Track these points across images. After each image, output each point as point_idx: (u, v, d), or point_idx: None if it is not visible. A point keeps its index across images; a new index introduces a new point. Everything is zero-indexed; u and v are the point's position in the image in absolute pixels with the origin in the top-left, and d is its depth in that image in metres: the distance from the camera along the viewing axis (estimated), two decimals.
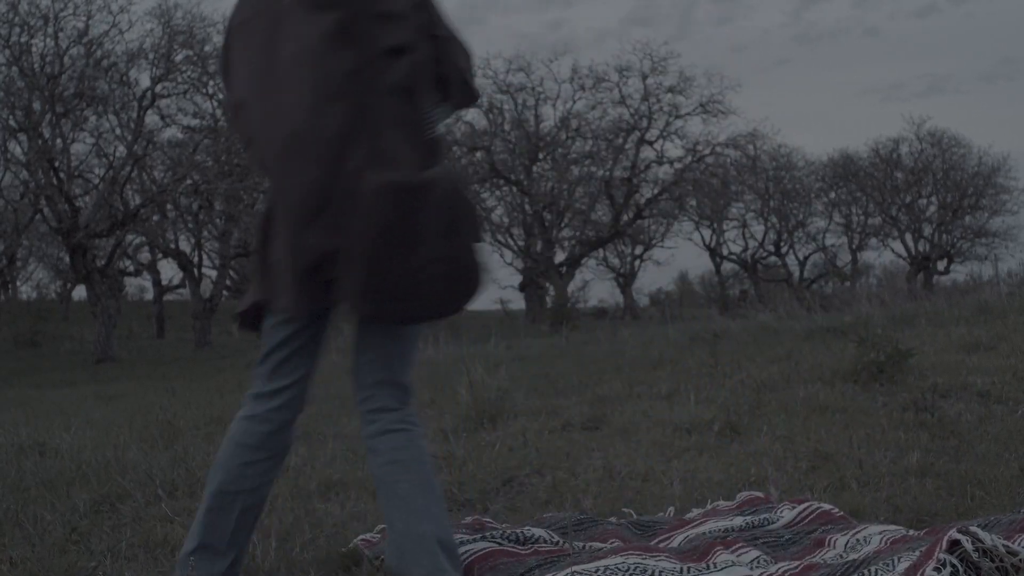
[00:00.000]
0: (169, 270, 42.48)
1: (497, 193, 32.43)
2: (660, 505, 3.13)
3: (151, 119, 20.75)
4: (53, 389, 11.58)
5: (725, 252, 36.51)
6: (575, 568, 2.17)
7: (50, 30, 19.33)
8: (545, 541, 2.58)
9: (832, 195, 35.80)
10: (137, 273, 31.23)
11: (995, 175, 33.46)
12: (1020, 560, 1.90)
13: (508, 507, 3.24)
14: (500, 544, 2.50)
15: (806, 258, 36.84)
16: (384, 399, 2.20)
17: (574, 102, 31.25)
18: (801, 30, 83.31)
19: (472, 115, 30.74)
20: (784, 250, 36.15)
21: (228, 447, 2.23)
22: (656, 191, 31.24)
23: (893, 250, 35.72)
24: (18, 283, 37.85)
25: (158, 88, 20.37)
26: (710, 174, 30.34)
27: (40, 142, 18.76)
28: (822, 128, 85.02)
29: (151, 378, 12.85)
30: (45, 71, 19.17)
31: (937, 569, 1.88)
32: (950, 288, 17.43)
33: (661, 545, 2.54)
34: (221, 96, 18.94)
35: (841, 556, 2.30)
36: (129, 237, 23.60)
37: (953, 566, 1.88)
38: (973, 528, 1.95)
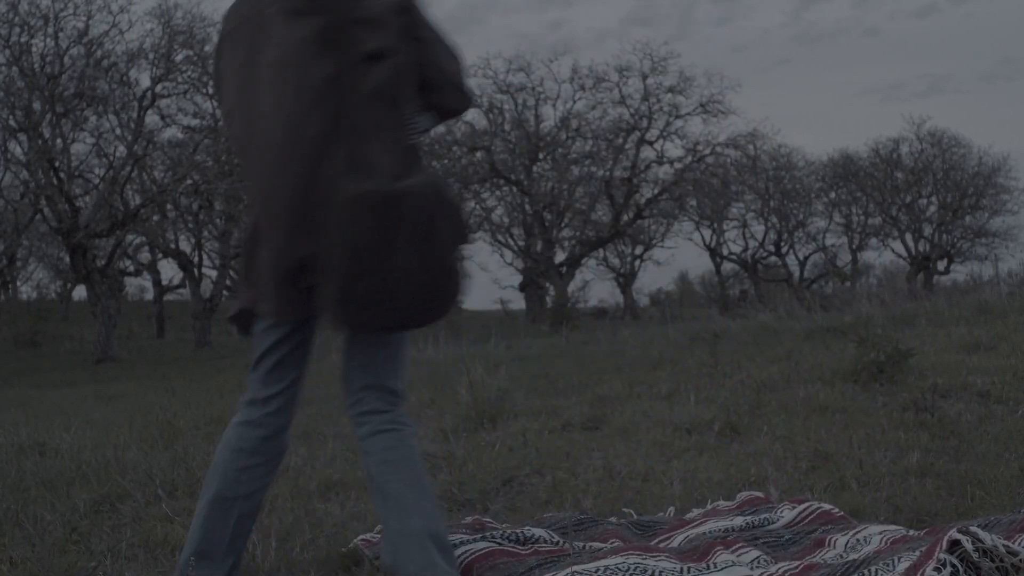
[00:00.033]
0: (169, 270, 42.52)
1: (497, 193, 32.44)
2: (660, 505, 3.13)
3: (151, 119, 20.78)
4: (53, 389, 11.58)
5: (725, 252, 36.53)
6: (575, 568, 2.17)
7: (50, 30, 19.34)
8: (545, 541, 2.58)
9: (832, 195, 35.79)
10: (137, 273, 31.22)
11: (995, 175, 33.46)
12: (1020, 560, 1.90)
13: (508, 507, 3.24)
14: (500, 544, 2.50)
15: (806, 258, 36.85)
16: (373, 402, 2.21)
17: (574, 102, 31.29)
18: (801, 30, 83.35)
19: (472, 115, 30.75)
20: (784, 250, 36.15)
21: (224, 453, 2.24)
22: (656, 191, 31.24)
23: (893, 250, 35.77)
24: (18, 283, 37.88)
25: (158, 88, 20.37)
26: (710, 174, 30.34)
27: (40, 142, 18.76)
28: (822, 128, 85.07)
29: (151, 378, 12.84)
30: (45, 71, 19.17)
31: (937, 569, 1.88)
32: (950, 288, 17.44)
33: (661, 545, 2.54)
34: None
35: (841, 556, 2.30)
36: (129, 237, 23.60)
37: (953, 566, 1.88)
38: (973, 528, 1.95)
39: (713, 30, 71.92)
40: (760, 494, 3.04)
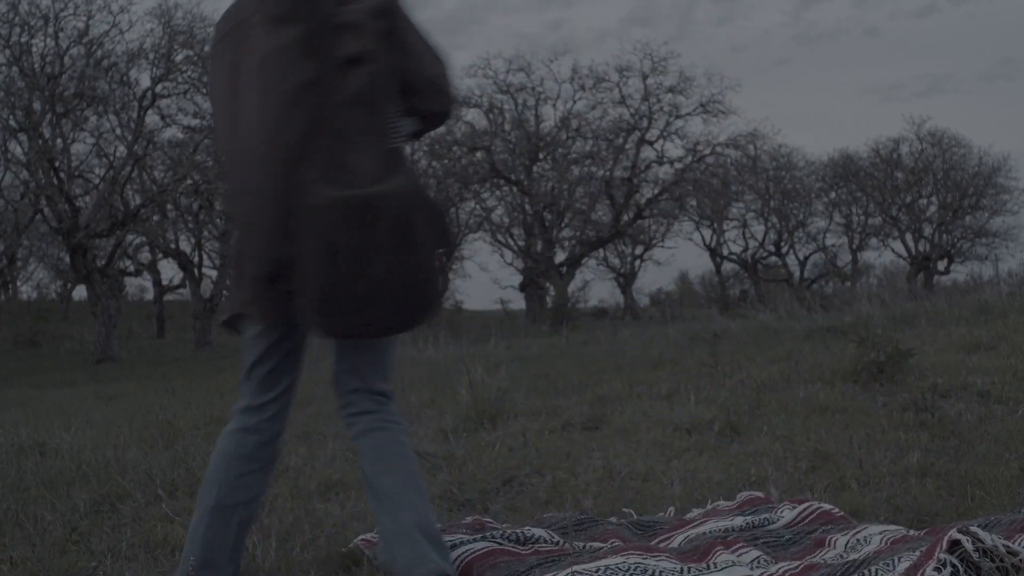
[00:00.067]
0: (169, 270, 42.55)
1: (497, 193, 32.44)
2: (660, 505, 3.13)
3: (151, 119, 20.78)
4: (53, 389, 11.58)
5: (725, 252, 36.52)
6: (575, 568, 2.17)
7: (50, 30, 19.34)
8: (545, 541, 2.58)
9: (832, 195, 35.78)
10: (137, 273, 31.22)
11: (995, 175, 33.44)
12: (1020, 560, 1.90)
13: (508, 507, 3.24)
14: (500, 544, 2.50)
15: (806, 258, 36.85)
16: (362, 404, 2.24)
17: (574, 102, 31.28)
18: (801, 30, 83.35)
19: (472, 115, 30.82)
20: (784, 250, 36.15)
21: (221, 462, 2.24)
22: (656, 191, 31.22)
23: (893, 250, 35.75)
24: (18, 283, 37.88)
25: (158, 88, 20.37)
26: (710, 174, 30.33)
27: (40, 142, 18.76)
28: (822, 128, 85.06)
29: (151, 378, 12.85)
30: (45, 71, 19.17)
31: (937, 569, 1.88)
32: (950, 288, 17.44)
33: (661, 545, 2.54)
34: None
35: (841, 556, 2.30)
36: (129, 237, 23.61)
37: (953, 566, 1.88)
38: (973, 528, 1.95)
39: (713, 30, 71.99)
40: (760, 494, 3.04)
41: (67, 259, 22.81)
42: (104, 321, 18.94)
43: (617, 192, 30.51)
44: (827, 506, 2.76)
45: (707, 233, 35.68)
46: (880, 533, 2.42)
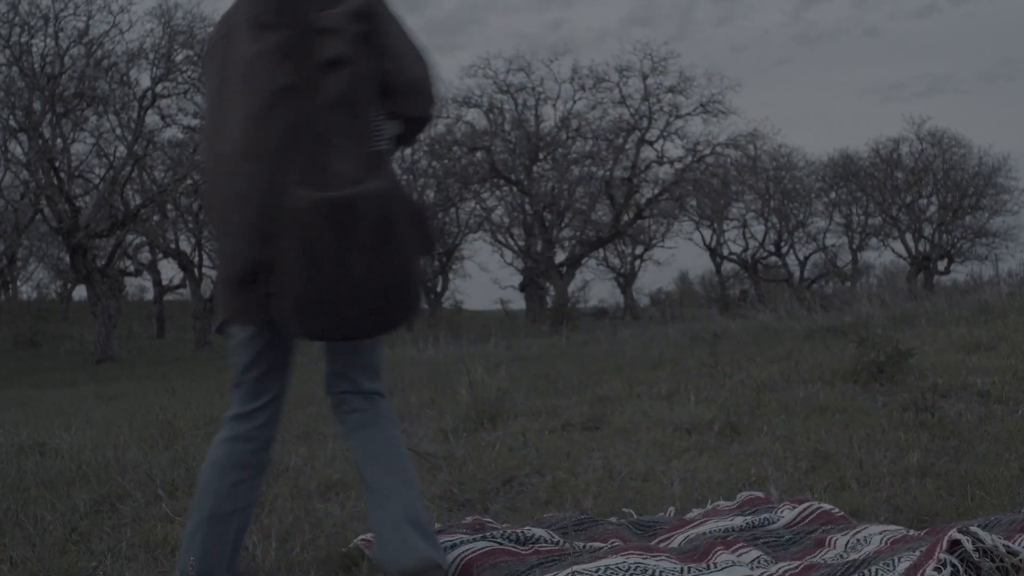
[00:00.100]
0: (169, 270, 42.51)
1: (497, 193, 32.44)
2: (660, 505, 3.13)
3: (151, 119, 20.76)
4: (53, 389, 11.58)
5: (725, 252, 36.52)
6: (576, 568, 2.17)
7: (50, 30, 19.33)
8: (546, 541, 2.58)
9: (832, 195, 35.78)
10: (137, 273, 31.23)
11: (995, 175, 33.43)
12: (1020, 560, 1.90)
13: (508, 507, 3.24)
14: (501, 544, 2.50)
15: (806, 258, 36.84)
16: (352, 402, 2.27)
17: (574, 102, 31.27)
18: (801, 30, 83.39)
19: (472, 115, 30.83)
20: (784, 250, 36.14)
21: (213, 471, 2.24)
22: (656, 191, 31.22)
23: (893, 250, 35.75)
24: (18, 283, 37.89)
25: (158, 88, 20.37)
26: (710, 174, 30.32)
27: (40, 142, 18.76)
28: (822, 128, 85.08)
29: (151, 378, 12.84)
30: (45, 71, 19.17)
31: (937, 569, 1.88)
32: (950, 288, 17.43)
33: (661, 545, 2.54)
34: None
35: (841, 556, 2.30)
36: (129, 237, 23.62)
37: (953, 566, 1.88)
38: (973, 528, 1.95)
39: (713, 30, 72.04)
40: (760, 494, 3.04)
41: (67, 259, 22.81)
42: (104, 321, 18.94)
43: (617, 192, 30.51)
44: (827, 506, 2.76)
45: (707, 233, 35.73)
46: (880, 533, 2.42)
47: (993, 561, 1.89)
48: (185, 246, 26.00)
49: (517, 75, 30.74)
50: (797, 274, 36.12)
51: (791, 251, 36.39)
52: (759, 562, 2.26)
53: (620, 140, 30.90)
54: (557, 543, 2.56)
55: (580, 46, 69.08)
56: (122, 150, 20.41)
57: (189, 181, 20.25)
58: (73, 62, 19.60)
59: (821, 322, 8.65)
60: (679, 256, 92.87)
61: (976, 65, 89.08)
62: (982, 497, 2.89)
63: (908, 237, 34.87)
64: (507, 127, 31.18)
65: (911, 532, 2.45)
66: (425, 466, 3.77)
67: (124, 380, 12.86)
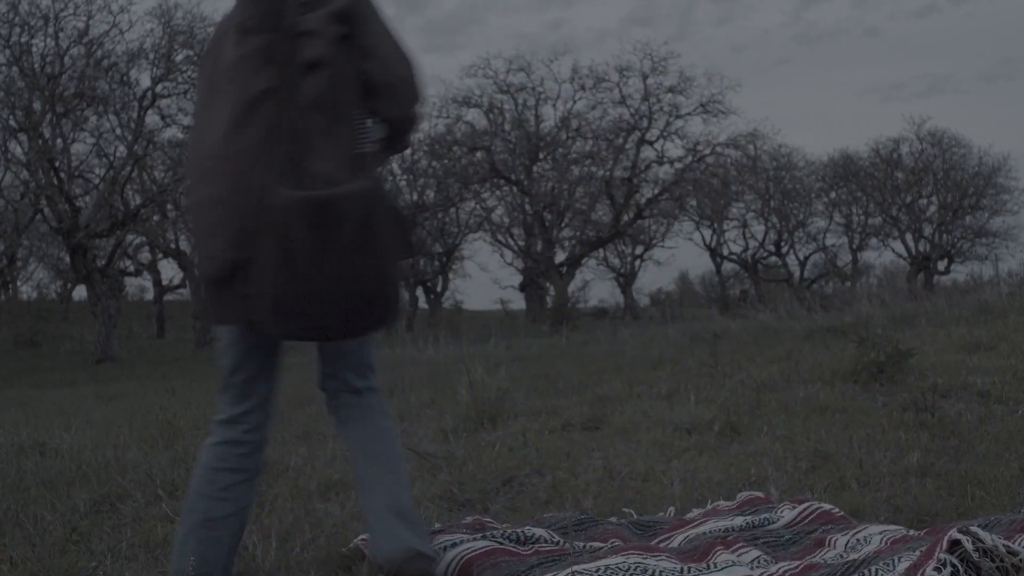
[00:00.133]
0: (169, 270, 42.52)
1: (497, 193, 32.43)
2: (660, 505, 3.13)
3: (151, 119, 20.77)
4: (53, 389, 11.58)
5: (725, 252, 36.52)
6: (576, 568, 2.17)
7: (50, 30, 19.34)
8: (546, 541, 2.58)
9: (832, 195, 35.78)
10: (137, 273, 31.25)
11: (995, 175, 33.44)
12: (1020, 560, 1.90)
13: (508, 507, 3.24)
14: (501, 543, 2.50)
15: (806, 258, 36.85)
16: (344, 398, 2.31)
17: (574, 102, 31.26)
18: (801, 30, 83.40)
19: (472, 115, 30.83)
20: (784, 250, 36.15)
21: (205, 476, 2.23)
22: (656, 191, 31.21)
23: (893, 250, 35.76)
24: (18, 283, 37.89)
25: (158, 88, 20.37)
26: (710, 174, 30.32)
27: (40, 142, 18.76)
28: (822, 128, 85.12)
29: (151, 378, 12.84)
30: (45, 71, 19.17)
31: (937, 569, 1.88)
32: (950, 288, 17.44)
33: (661, 545, 2.54)
34: None
35: (841, 556, 2.30)
36: (129, 237, 23.63)
37: (953, 566, 1.88)
38: (974, 528, 1.95)
39: (713, 30, 72.07)
40: (760, 494, 3.04)
41: (67, 259, 22.82)
42: (104, 321, 18.94)
43: (617, 192, 30.51)
44: (827, 506, 2.76)
45: (707, 233, 35.74)
46: (880, 533, 2.42)
47: (993, 561, 1.89)
48: (185, 246, 25.98)
49: (517, 75, 30.78)
50: (797, 274, 36.13)
51: (791, 251, 36.41)
52: (759, 562, 2.26)
53: (620, 140, 30.90)
54: (557, 543, 2.56)
55: (580, 46, 69.12)
56: (122, 150, 20.43)
57: (189, 181, 20.24)
58: (73, 62, 19.61)
59: (821, 322, 8.65)
60: (679, 256, 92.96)
61: (976, 65, 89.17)
62: (982, 497, 2.89)
63: (908, 237, 34.88)
64: (507, 127, 31.18)
65: (911, 532, 2.45)
66: (425, 466, 3.77)
67: (124, 380, 12.86)
